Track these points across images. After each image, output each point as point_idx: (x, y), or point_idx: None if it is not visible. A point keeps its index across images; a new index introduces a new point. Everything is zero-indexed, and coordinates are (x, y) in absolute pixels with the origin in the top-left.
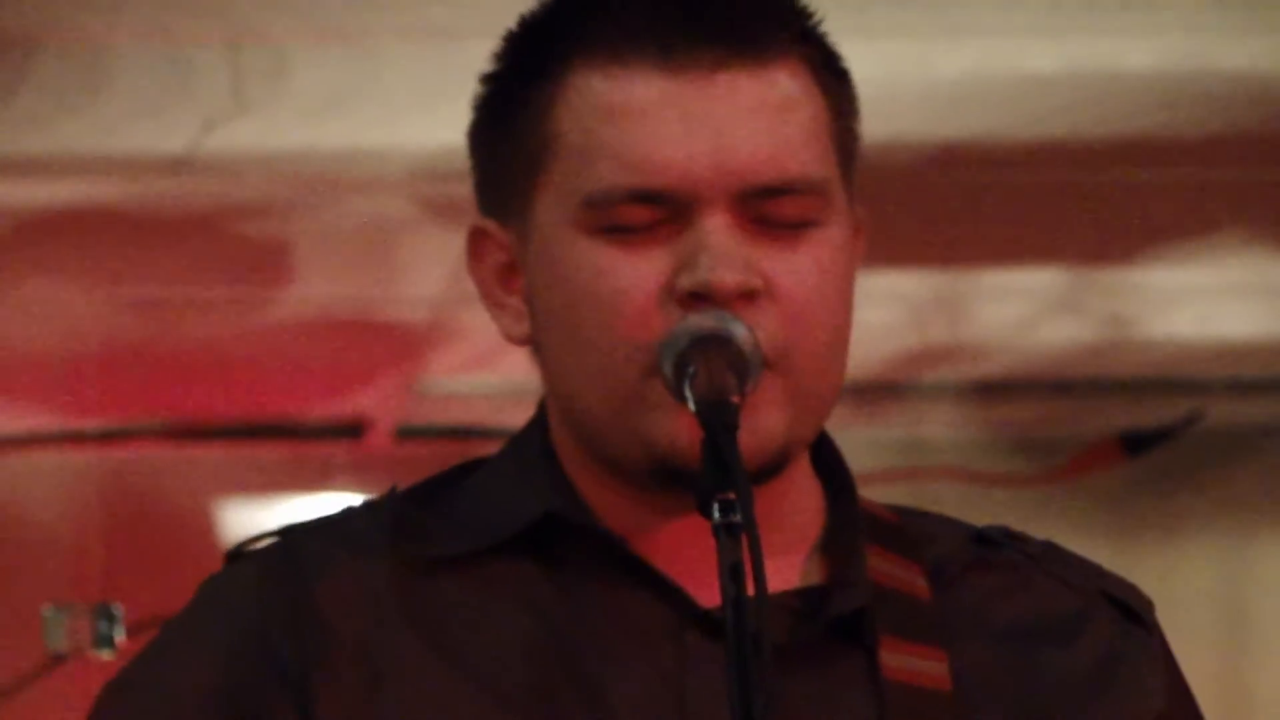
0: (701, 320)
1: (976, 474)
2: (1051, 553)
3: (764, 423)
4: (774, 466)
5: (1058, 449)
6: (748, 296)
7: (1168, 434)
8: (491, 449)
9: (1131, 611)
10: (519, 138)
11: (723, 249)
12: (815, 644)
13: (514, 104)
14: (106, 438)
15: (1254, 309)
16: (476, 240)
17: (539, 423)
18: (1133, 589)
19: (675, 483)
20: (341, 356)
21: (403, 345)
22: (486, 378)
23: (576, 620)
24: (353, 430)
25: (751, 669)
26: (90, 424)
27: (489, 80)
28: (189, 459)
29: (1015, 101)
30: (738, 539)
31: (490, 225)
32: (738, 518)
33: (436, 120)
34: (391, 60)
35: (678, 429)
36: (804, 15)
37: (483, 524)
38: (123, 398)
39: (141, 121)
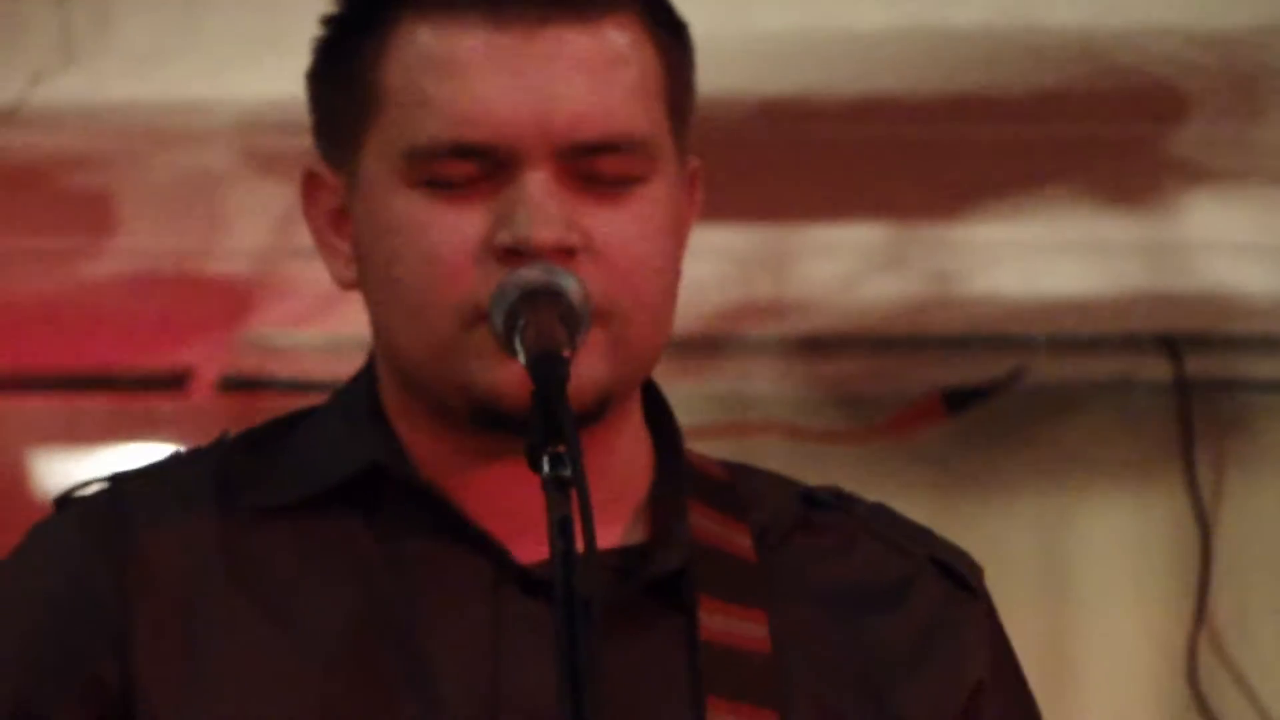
0: (531, 274)
1: (799, 430)
2: (881, 515)
3: (585, 371)
4: (594, 413)
5: (880, 406)
6: (566, 253)
7: (990, 391)
8: (315, 402)
9: (959, 578)
10: (351, 86)
11: (541, 205)
12: (635, 603)
13: (348, 51)
14: None
15: (1078, 266)
16: (311, 183)
17: (367, 373)
18: (962, 554)
19: (497, 426)
20: (165, 309)
21: (226, 298)
22: (311, 331)
23: (396, 574)
24: (175, 382)
25: (578, 629)
26: None
27: (327, 24)
28: (8, 409)
29: (839, 57)
30: (566, 494)
31: (324, 169)
32: (567, 472)
33: (261, 73)
34: (216, 13)
35: (502, 376)
36: None
37: (307, 474)
38: None
39: None
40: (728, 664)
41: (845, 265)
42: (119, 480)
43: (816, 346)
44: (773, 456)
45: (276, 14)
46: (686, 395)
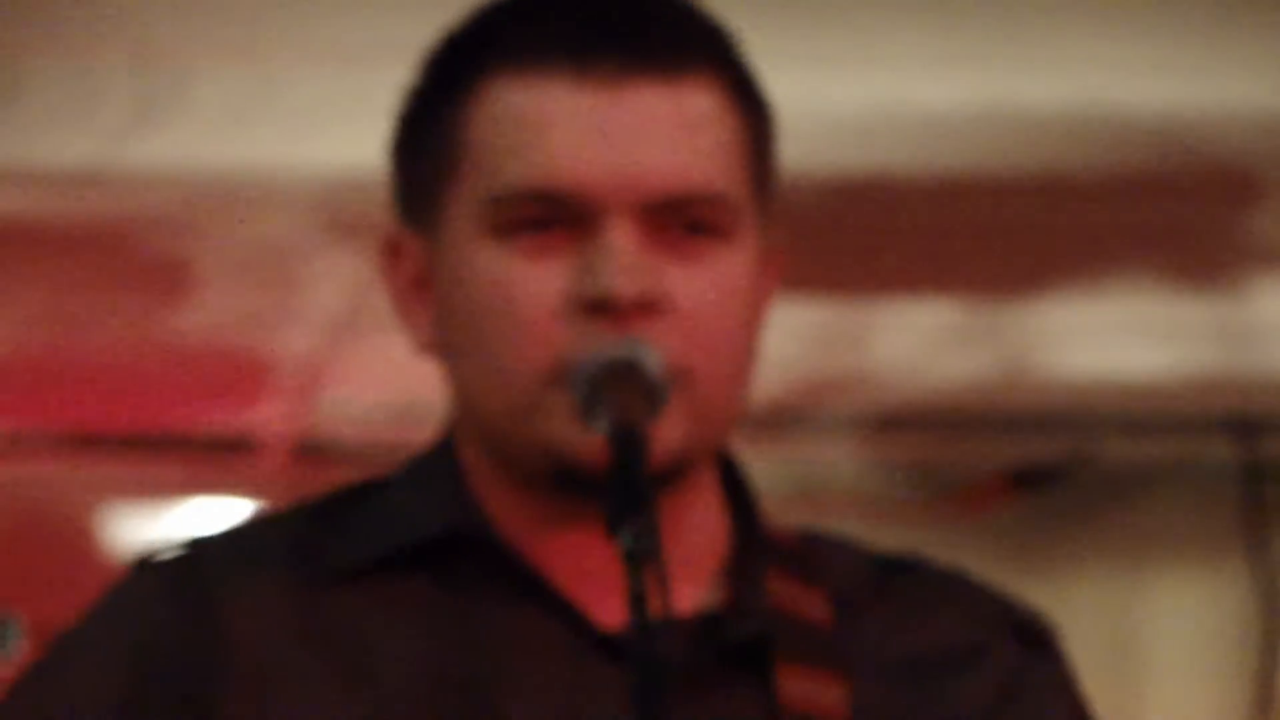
0: (614, 348)
1: (870, 505)
2: (956, 580)
3: (661, 433)
4: (669, 475)
5: (951, 482)
6: (648, 308)
7: (1059, 471)
8: (385, 468)
9: (1035, 639)
10: (435, 147)
11: (625, 257)
12: (713, 670)
13: (431, 114)
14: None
15: (1150, 348)
16: (391, 251)
17: (444, 439)
18: (1036, 616)
19: (577, 487)
20: (239, 373)
21: (299, 363)
22: (384, 399)
23: (475, 639)
24: (247, 445)
25: (655, 699)
26: None
27: (409, 93)
28: (84, 470)
29: (917, 135)
30: (644, 566)
31: (405, 235)
32: (646, 544)
33: (336, 141)
34: (293, 80)
35: (581, 442)
36: (721, 37)
37: (383, 537)
38: (19, 408)
39: (47, 135)
40: None
41: (919, 342)
42: (196, 545)
43: (888, 423)
44: (841, 531)
45: (355, 80)
46: (758, 469)
